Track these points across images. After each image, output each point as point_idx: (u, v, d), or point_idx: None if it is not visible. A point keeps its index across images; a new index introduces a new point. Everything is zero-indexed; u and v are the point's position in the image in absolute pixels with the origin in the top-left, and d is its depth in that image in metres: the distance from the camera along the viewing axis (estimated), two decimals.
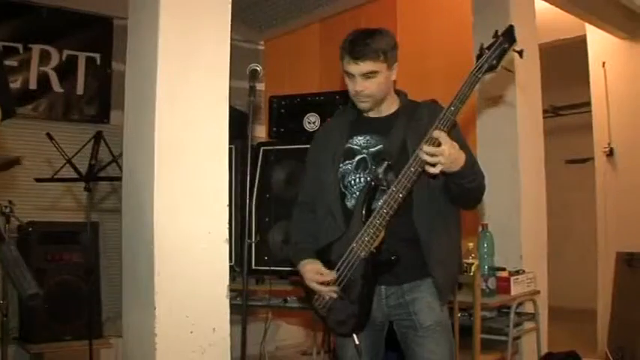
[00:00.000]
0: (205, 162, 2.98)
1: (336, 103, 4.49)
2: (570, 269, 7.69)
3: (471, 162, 2.56)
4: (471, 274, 3.90)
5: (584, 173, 7.42)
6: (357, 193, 2.76)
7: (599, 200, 6.46)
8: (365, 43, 2.67)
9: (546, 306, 4.67)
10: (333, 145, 2.88)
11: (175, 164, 2.88)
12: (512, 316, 4.04)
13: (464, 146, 2.59)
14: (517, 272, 4.27)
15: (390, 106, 2.86)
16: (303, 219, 3.01)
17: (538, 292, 4.43)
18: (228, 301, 2.99)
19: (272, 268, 4.48)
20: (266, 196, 4.53)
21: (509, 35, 2.42)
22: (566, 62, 7.09)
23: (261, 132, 6.33)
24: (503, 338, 4.06)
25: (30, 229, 4.95)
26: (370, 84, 2.71)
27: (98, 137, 4.35)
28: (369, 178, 2.72)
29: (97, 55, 6.03)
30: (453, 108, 2.44)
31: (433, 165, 2.42)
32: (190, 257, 2.88)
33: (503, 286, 4.15)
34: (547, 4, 5.55)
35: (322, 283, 2.75)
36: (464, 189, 2.60)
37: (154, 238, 2.79)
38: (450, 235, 2.80)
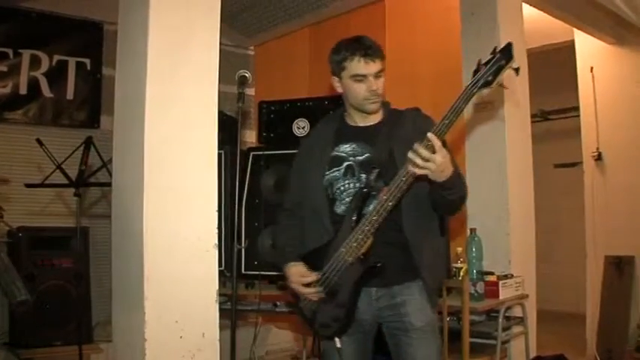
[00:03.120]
0: (195, 167, 2.99)
1: (325, 109, 4.50)
2: (559, 273, 7.72)
3: (456, 176, 2.58)
4: (460, 278, 3.92)
5: (572, 177, 7.45)
6: (347, 199, 2.80)
7: (587, 204, 6.49)
8: (372, 43, 2.77)
9: (535, 309, 4.68)
10: (318, 152, 2.91)
11: (165, 169, 2.89)
12: (500, 320, 4.06)
13: (452, 161, 2.60)
14: (505, 276, 4.28)
15: (376, 115, 2.90)
16: (288, 224, 3.04)
17: (526, 296, 4.44)
18: (217, 305, 3.00)
19: (262, 272, 4.48)
20: (255, 201, 4.53)
21: (507, 52, 2.41)
22: (554, 67, 7.14)
23: (250, 137, 6.33)
24: (491, 342, 4.08)
25: (20, 234, 4.94)
26: (380, 83, 2.78)
27: (88, 143, 4.35)
28: (361, 185, 2.75)
29: (87, 60, 6.03)
30: (446, 121, 2.42)
31: (421, 167, 2.43)
32: (180, 262, 2.89)
33: (492, 290, 4.15)
34: (535, 10, 5.59)
35: (306, 285, 2.79)
36: (445, 200, 2.64)
37: (144, 243, 2.80)
38: (436, 239, 2.87)
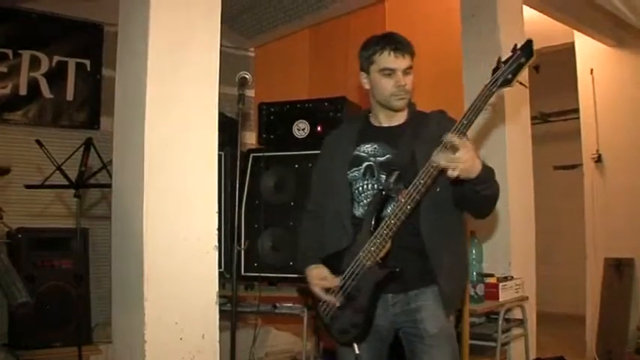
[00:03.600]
0: (195, 168, 2.99)
1: (325, 110, 4.50)
2: (559, 275, 7.72)
3: (486, 169, 2.54)
4: None
5: (572, 179, 7.46)
6: (365, 201, 2.77)
7: (587, 206, 6.49)
8: (403, 38, 2.76)
9: (534, 311, 4.69)
10: (341, 152, 2.88)
11: (165, 171, 2.88)
12: (500, 322, 4.06)
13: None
14: (505, 278, 4.28)
15: (401, 116, 2.87)
16: (310, 226, 3.01)
17: (526, 298, 4.44)
18: (217, 307, 2.99)
19: (261, 274, 4.48)
20: (255, 202, 4.53)
21: (527, 50, 2.41)
22: (554, 69, 7.13)
23: (250, 138, 6.32)
24: (491, 344, 4.08)
25: (19, 235, 4.94)
26: (409, 80, 2.75)
27: (88, 144, 4.35)
28: (379, 188, 2.72)
29: (87, 62, 6.03)
30: (465, 121, 2.41)
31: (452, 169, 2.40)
32: (180, 263, 2.88)
33: (492, 292, 4.16)
34: (535, 12, 5.59)
35: (326, 290, 2.77)
36: (480, 196, 2.58)
37: (144, 244, 2.79)
38: (455, 245, 2.82)
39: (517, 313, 4.48)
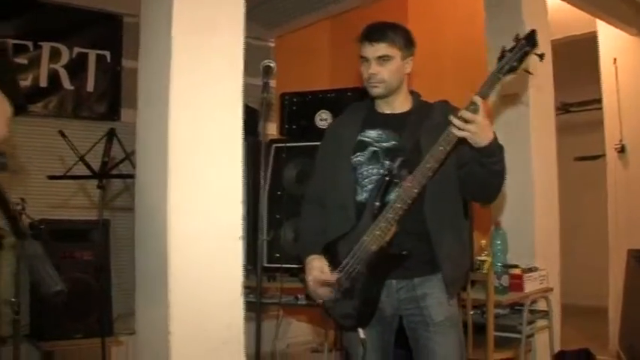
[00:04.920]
0: (219, 159, 2.98)
1: (347, 100, 4.46)
2: (581, 267, 7.66)
3: (497, 142, 2.57)
4: (484, 271, 3.89)
5: (595, 170, 7.38)
6: (369, 186, 2.76)
7: (610, 197, 6.44)
8: (381, 27, 2.79)
9: (559, 303, 4.65)
10: (345, 138, 2.88)
11: (189, 161, 2.88)
12: (525, 313, 4.03)
13: None
14: (530, 269, 4.25)
15: (404, 104, 2.88)
16: (312, 214, 3.00)
17: (551, 289, 4.42)
18: (242, 298, 2.98)
19: (283, 265, 4.46)
20: (277, 193, 4.51)
21: (530, 39, 2.47)
22: (576, 59, 7.06)
23: (271, 129, 6.31)
24: (515, 336, 4.06)
25: (41, 226, 4.94)
26: (383, 69, 2.76)
27: (111, 134, 4.33)
28: (383, 172, 2.72)
29: (107, 53, 6.02)
30: (472, 107, 2.46)
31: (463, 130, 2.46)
32: (205, 255, 2.88)
33: (516, 283, 4.14)
34: (557, 0, 5.53)
35: (323, 284, 2.76)
36: (488, 171, 2.61)
37: (168, 236, 2.80)
38: (459, 231, 2.83)
39: (541, 305, 4.44)
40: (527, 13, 4.58)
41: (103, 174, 4.22)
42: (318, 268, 2.78)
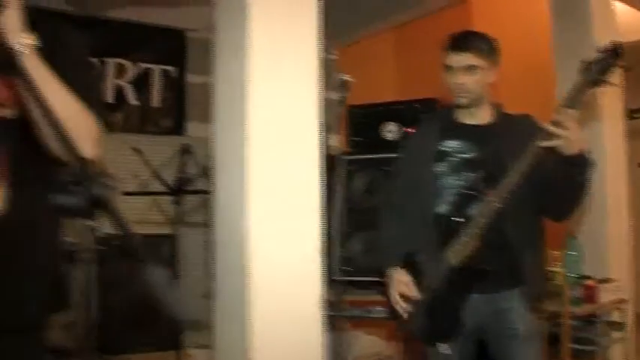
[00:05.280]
0: (298, 173, 2.98)
1: (415, 112, 4.47)
2: None
3: (586, 153, 2.54)
4: (558, 282, 3.85)
5: None
6: (449, 198, 2.76)
7: None
8: (467, 36, 2.78)
9: (633, 315, 4.57)
10: (425, 148, 2.87)
11: (268, 176, 2.89)
12: (600, 325, 3.97)
13: None
14: (604, 280, 4.19)
15: (486, 115, 2.86)
16: (392, 224, 2.99)
17: (625, 300, 4.34)
18: (321, 312, 2.98)
19: (352, 278, 4.46)
20: (346, 205, 4.52)
21: (615, 51, 2.43)
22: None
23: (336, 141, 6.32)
24: (589, 348, 4.00)
25: (112, 242, 5.02)
26: (469, 79, 2.73)
27: (185, 150, 4.39)
28: (464, 184, 2.72)
29: (172, 68, 6.13)
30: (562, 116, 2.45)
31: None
32: (285, 269, 2.89)
33: (590, 294, 4.08)
34: (623, 5, 5.45)
35: (405, 298, 2.77)
36: (573, 182, 2.59)
37: (248, 252, 2.80)
38: (538, 245, 2.82)
39: (614, 316, 4.36)
40: (596, 17, 4.51)
41: (179, 190, 4.28)
42: (404, 282, 2.79)
